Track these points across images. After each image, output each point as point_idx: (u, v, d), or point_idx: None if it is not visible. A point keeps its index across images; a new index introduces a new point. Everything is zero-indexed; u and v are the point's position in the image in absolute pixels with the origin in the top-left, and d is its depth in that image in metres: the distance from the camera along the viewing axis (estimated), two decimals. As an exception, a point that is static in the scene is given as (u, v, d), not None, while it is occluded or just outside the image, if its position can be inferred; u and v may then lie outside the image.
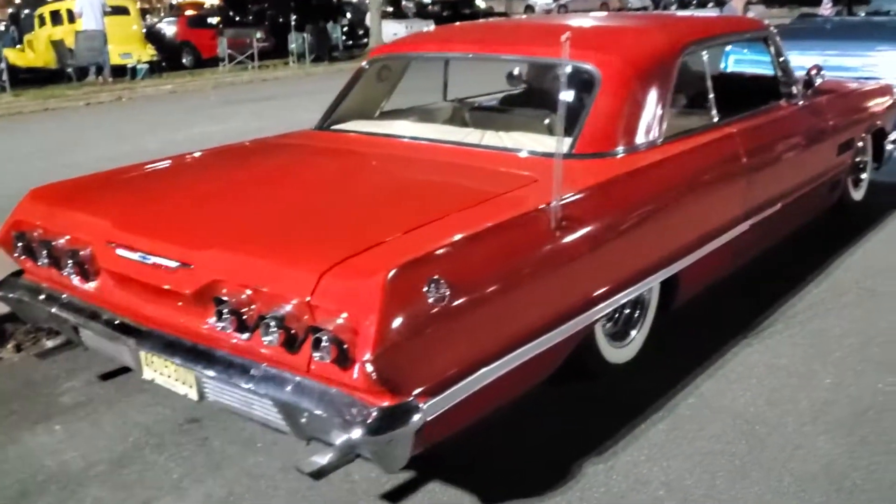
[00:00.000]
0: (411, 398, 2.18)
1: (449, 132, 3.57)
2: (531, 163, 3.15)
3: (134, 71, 15.60)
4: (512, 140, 3.40)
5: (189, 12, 25.52)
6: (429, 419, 2.20)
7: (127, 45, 16.53)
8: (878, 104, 5.48)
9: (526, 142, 3.36)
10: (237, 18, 21.61)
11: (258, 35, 17.43)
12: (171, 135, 9.28)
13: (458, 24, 5.18)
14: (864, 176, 5.49)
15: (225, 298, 2.34)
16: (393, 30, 22.85)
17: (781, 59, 4.43)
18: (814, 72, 4.61)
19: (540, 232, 2.60)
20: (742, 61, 7.93)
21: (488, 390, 2.42)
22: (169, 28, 20.04)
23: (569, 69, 3.57)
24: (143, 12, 32.36)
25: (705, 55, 3.77)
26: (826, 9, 9.41)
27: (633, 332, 3.30)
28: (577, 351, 2.88)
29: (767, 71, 4.55)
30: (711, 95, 3.75)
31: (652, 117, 3.35)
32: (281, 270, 2.31)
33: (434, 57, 4.00)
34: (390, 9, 24.88)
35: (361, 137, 3.61)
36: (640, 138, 3.27)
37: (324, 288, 2.17)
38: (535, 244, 2.58)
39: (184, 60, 18.98)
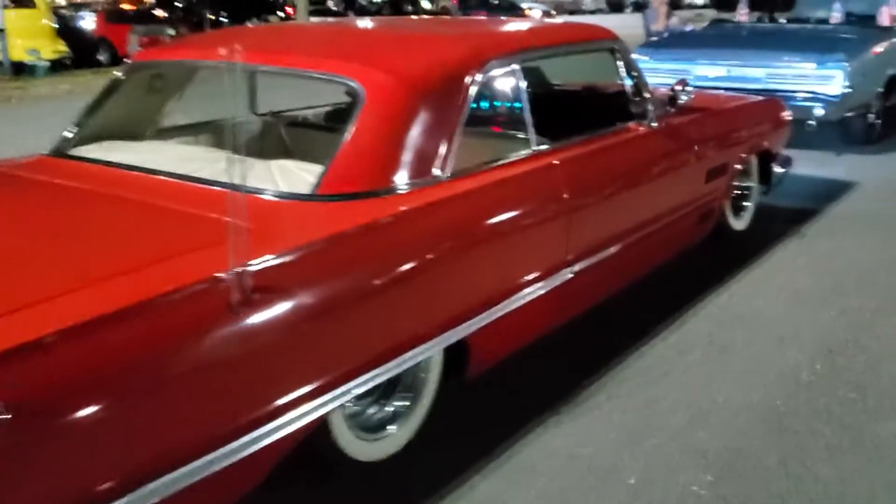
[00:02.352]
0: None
1: (197, 160, 2.88)
2: (268, 207, 2.49)
3: (32, 69, 14.67)
4: (265, 172, 2.74)
5: (125, 6, 24.47)
6: None
7: (34, 40, 15.53)
8: (762, 122, 4.94)
9: (279, 175, 2.70)
10: (163, 14, 20.66)
11: (170, 32, 16.52)
12: (42, 140, 8.47)
13: (246, 26, 4.50)
14: (747, 203, 4.93)
15: None
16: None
17: (633, 74, 3.83)
18: (678, 87, 4.03)
19: (207, 311, 1.94)
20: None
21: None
22: (87, 23, 19.06)
23: (333, 85, 2.94)
24: (80, 6, 31.02)
25: (523, 70, 3.16)
26: (742, 14, 8.87)
27: (393, 428, 2.65)
28: (302, 447, 2.24)
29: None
30: (530, 118, 3.14)
31: (434, 147, 2.72)
32: None
33: (190, 65, 3.31)
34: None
35: (81, 167, 2.91)
36: (415, 173, 2.64)
37: None
38: (193, 328, 1.91)
39: (100, 57, 18.02)
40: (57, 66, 15.45)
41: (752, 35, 7.82)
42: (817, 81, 6.59)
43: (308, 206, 2.48)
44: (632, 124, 3.75)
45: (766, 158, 4.95)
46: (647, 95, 3.85)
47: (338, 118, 3.85)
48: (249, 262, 1.97)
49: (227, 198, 2.12)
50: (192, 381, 1.88)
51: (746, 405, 2.99)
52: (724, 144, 4.39)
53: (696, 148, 4.06)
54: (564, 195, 3.11)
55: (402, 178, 2.60)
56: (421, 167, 2.67)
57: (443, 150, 2.74)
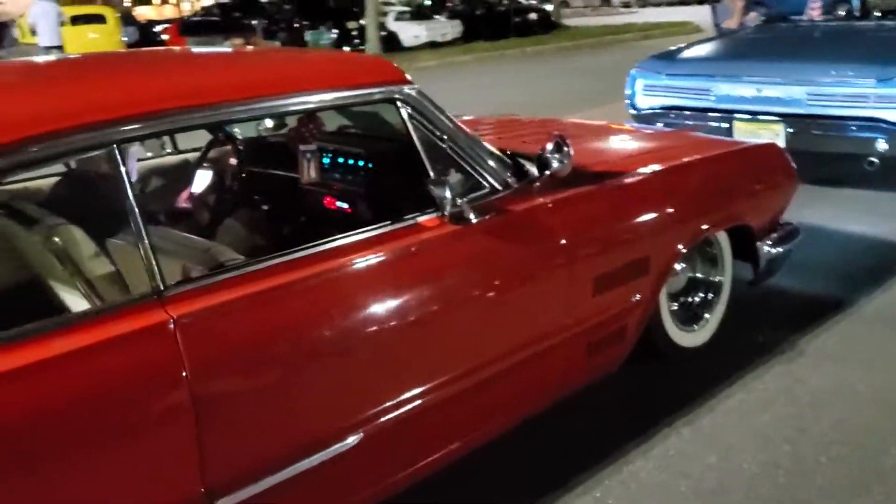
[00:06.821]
0: None
1: None
2: None
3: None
4: None
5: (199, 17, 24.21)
6: None
7: (103, 57, 15.40)
8: (735, 183, 3.30)
9: None
10: (245, 20, 20.20)
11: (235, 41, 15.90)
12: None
13: None
14: (709, 315, 3.29)
15: None
16: (413, 32, 21.04)
17: (437, 135, 2.37)
18: (549, 147, 2.52)
19: None
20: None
21: None
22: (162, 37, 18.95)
23: None
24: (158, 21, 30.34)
25: (117, 156, 1.81)
26: (814, 9, 6.91)
27: None
28: None
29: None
30: (146, 239, 1.80)
31: None
32: None
33: None
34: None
35: None
36: None
37: None
38: None
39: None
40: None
41: (806, 40, 5.92)
42: (878, 103, 4.73)
43: None
44: (422, 220, 2.28)
45: (748, 236, 3.31)
46: (466, 167, 2.40)
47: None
48: None
49: None
50: None
51: None
52: (639, 228, 2.84)
53: (562, 242, 2.53)
54: (183, 373, 1.75)
55: None
56: None
57: None
